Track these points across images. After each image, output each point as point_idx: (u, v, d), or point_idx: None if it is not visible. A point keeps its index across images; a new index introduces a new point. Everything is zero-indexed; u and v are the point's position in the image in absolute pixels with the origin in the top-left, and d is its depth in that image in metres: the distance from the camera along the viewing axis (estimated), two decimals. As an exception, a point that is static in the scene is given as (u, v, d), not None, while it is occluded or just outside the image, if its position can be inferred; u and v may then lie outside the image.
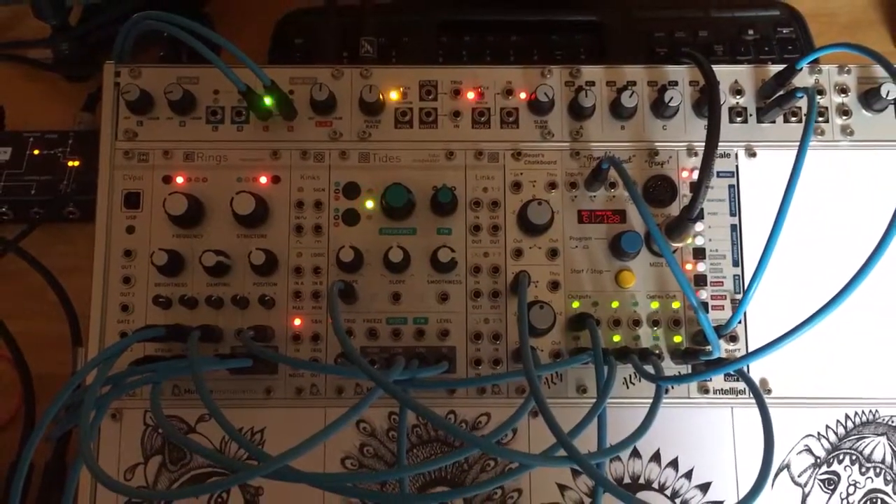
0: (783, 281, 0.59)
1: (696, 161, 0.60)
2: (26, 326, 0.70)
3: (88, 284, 0.60)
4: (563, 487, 0.58)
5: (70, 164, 0.74)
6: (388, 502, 0.50)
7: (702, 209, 0.60)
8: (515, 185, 0.61)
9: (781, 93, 0.59)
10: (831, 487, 0.58)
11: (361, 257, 0.59)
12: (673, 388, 0.58)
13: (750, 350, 0.59)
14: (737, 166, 0.61)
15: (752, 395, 0.53)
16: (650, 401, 0.53)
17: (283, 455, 0.42)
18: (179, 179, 0.60)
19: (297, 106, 0.61)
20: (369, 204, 0.60)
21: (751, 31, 0.78)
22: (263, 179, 0.60)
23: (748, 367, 0.58)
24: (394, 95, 0.62)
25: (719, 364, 0.53)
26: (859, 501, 0.58)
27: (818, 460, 0.58)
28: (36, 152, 0.75)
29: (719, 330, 0.55)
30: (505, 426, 0.49)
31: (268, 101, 0.59)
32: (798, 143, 0.53)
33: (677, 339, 0.59)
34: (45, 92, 0.82)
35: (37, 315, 0.71)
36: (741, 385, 0.59)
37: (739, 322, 0.59)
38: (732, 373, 0.58)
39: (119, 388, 0.51)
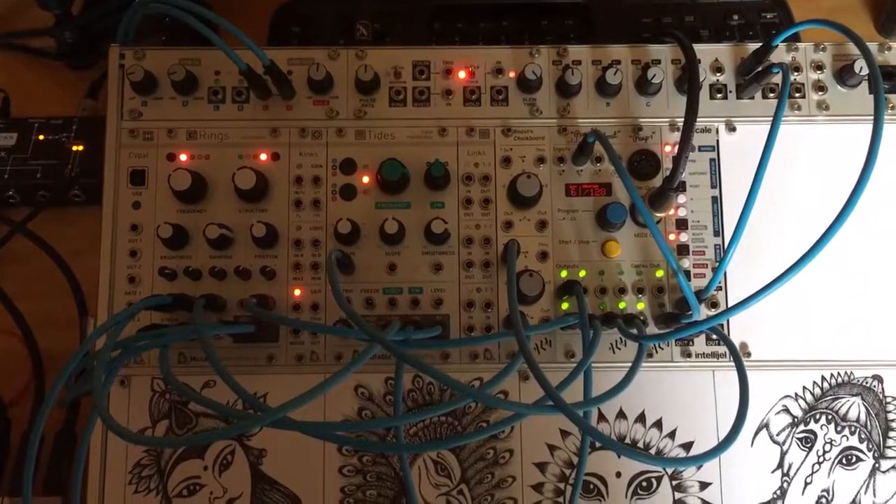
0: (762, 250, 0.62)
1: (679, 136, 0.62)
2: (35, 306, 0.72)
3: (94, 265, 0.63)
4: (552, 447, 0.60)
5: (75, 148, 0.76)
6: (385, 450, 0.53)
7: (684, 182, 0.63)
8: (505, 160, 0.63)
9: (759, 69, 0.62)
10: (808, 445, 0.61)
11: (358, 230, 0.61)
12: (657, 351, 0.61)
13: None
14: (717, 140, 0.64)
15: (731, 358, 0.55)
16: (635, 363, 0.56)
17: (282, 406, 0.44)
18: (183, 157, 0.63)
19: (295, 86, 0.63)
20: (365, 179, 0.63)
21: (736, 17, 0.80)
22: (263, 156, 0.63)
23: (728, 330, 0.61)
24: (388, 75, 0.64)
25: (698, 323, 0.56)
26: (835, 458, 0.61)
27: (796, 420, 0.61)
28: (41, 138, 0.77)
29: (700, 294, 0.58)
30: (496, 379, 0.51)
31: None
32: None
33: (661, 305, 0.62)
34: (48, 80, 0.84)
35: (45, 295, 0.73)
36: (722, 349, 0.61)
37: (720, 289, 0.62)
38: (714, 337, 0.61)
39: (128, 351, 0.53)
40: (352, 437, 0.50)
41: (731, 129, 0.64)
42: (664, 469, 0.60)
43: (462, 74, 0.64)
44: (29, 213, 0.75)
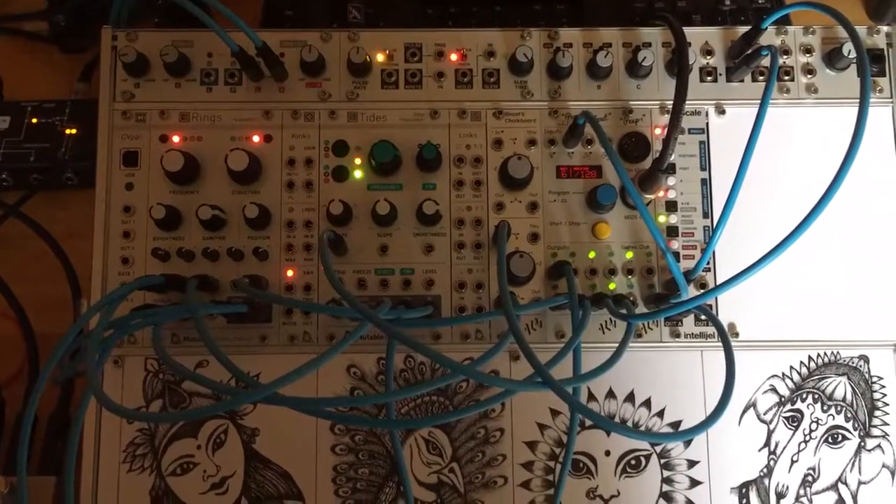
0: (751, 232, 0.62)
1: (668, 119, 0.63)
2: (28, 289, 0.72)
3: (87, 248, 0.63)
4: (542, 426, 0.61)
5: (68, 132, 0.76)
6: (376, 426, 0.53)
7: (673, 164, 0.64)
8: (497, 142, 0.64)
9: (748, 52, 0.62)
10: (795, 424, 0.62)
11: (350, 211, 0.62)
12: (646, 331, 0.62)
13: (718, 298, 0.62)
14: (707, 123, 0.64)
15: (719, 338, 0.56)
16: (625, 343, 0.56)
17: (273, 382, 0.45)
18: (175, 139, 0.63)
19: (287, 68, 0.63)
20: (357, 161, 0.63)
21: (728, 2, 0.81)
22: (256, 138, 0.63)
23: (716, 311, 0.62)
24: (380, 58, 0.64)
25: (686, 301, 0.56)
26: (821, 437, 0.62)
27: (782, 399, 0.62)
28: (34, 121, 0.77)
29: (688, 275, 0.59)
30: (486, 356, 0.52)
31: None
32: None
33: (650, 286, 0.62)
34: (41, 64, 0.84)
35: (38, 278, 0.73)
36: (710, 330, 0.62)
37: (708, 269, 0.62)
38: (702, 317, 0.62)
39: (121, 329, 0.54)
40: (341, 412, 0.51)
41: (721, 111, 0.64)
42: (653, 447, 0.61)
43: (454, 57, 0.65)
44: (22, 197, 0.75)
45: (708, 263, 0.63)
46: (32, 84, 0.81)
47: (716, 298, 0.62)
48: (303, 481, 0.60)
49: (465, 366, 0.48)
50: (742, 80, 0.65)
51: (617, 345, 0.55)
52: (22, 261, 0.74)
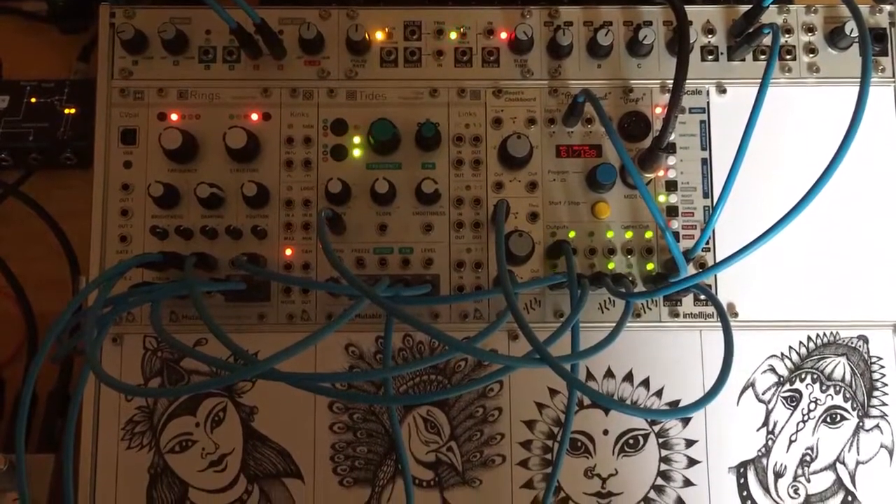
0: (751, 212, 0.62)
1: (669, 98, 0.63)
2: (27, 268, 0.72)
3: (86, 227, 0.63)
4: (540, 406, 0.61)
5: (67, 111, 0.76)
6: (374, 402, 0.53)
7: (674, 143, 0.63)
8: (496, 121, 0.63)
9: (750, 30, 0.62)
10: (793, 404, 0.62)
11: (349, 190, 0.62)
12: (645, 311, 0.62)
13: (718, 277, 0.62)
14: (708, 103, 0.64)
15: (718, 318, 0.56)
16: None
17: (270, 358, 0.45)
18: (174, 116, 0.63)
19: (286, 46, 0.63)
20: (356, 139, 0.63)
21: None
22: (255, 116, 0.63)
23: (716, 291, 0.62)
24: (379, 36, 0.64)
25: (684, 280, 0.56)
26: (820, 417, 0.62)
27: (781, 379, 0.62)
28: (33, 100, 0.76)
29: (687, 254, 0.59)
30: (484, 333, 0.52)
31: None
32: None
33: (650, 266, 0.62)
34: (40, 44, 0.83)
35: (37, 257, 0.73)
36: (709, 309, 0.62)
37: (707, 249, 0.62)
38: (701, 297, 0.61)
39: (119, 306, 0.54)
40: (338, 389, 0.51)
41: (722, 91, 0.64)
42: (651, 427, 0.61)
43: (453, 35, 0.64)
44: (21, 176, 0.75)
45: (707, 243, 0.62)
46: (32, 64, 0.81)
47: (715, 278, 0.62)
48: (301, 459, 0.60)
49: (462, 342, 0.48)
50: (743, 60, 0.64)
51: (615, 324, 0.55)
52: (21, 240, 0.74)
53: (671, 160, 0.63)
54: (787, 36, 0.64)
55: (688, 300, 0.62)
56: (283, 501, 0.60)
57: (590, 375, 0.61)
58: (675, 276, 0.58)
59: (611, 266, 0.62)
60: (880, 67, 0.64)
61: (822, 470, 0.61)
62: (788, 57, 0.64)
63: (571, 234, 0.62)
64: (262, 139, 0.63)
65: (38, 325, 0.70)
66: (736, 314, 0.62)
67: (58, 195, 0.75)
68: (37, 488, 0.60)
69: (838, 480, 0.61)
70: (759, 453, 0.61)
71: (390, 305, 0.48)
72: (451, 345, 0.46)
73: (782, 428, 0.61)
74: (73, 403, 0.54)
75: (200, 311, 0.50)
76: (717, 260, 0.62)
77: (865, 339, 0.62)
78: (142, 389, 0.58)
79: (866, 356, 0.62)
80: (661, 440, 0.61)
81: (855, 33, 0.62)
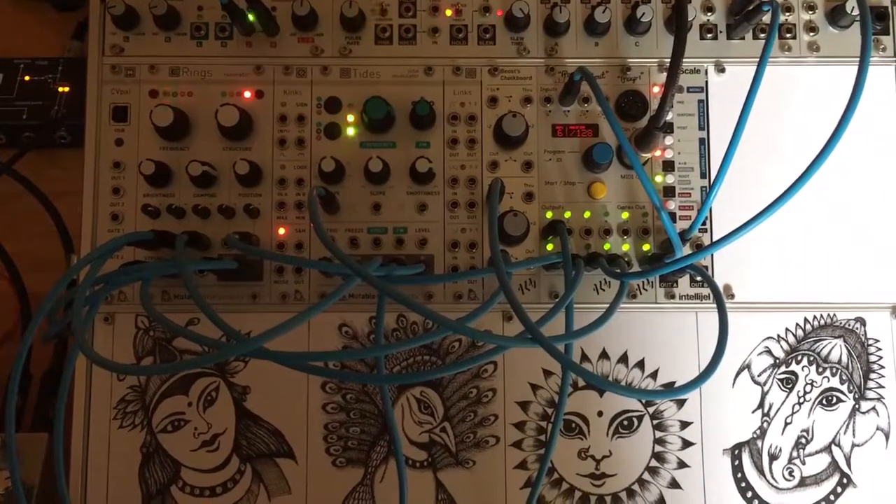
0: (749, 193, 0.61)
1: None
2: (21, 247, 0.72)
3: (80, 206, 0.62)
4: (535, 387, 0.61)
5: (60, 89, 0.75)
6: (366, 380, 0.53)
7: (671, 123, 0.63)
8: (492, 100, 0.63)
9: (749, 8, 0.61)
10: (789, 386, 0.61)
11: (343, 169, 0.61)
12: (641, 292, 0.61)
13: (714, 259, 0.61)
14: (706, 82, 0.63)
15: (713, 298, 0.55)
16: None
17: (259, 336, 0.44)
18: (165, 94, 0.62)
19: (279, 22, 0.62)
20: (350, 118, 0.62)
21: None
22: (247, 94, 0.62)
23: (712, 273, 0.61)
24: (373, 13, 0.63)
25: (679, 259, 0.56)
26: (815, 399, 0.61)
27: (777, 361, 0.61)
28: (27, 78, 0.76)
29: (684, 235, 0.58)
30: (476, 312, 0.52)
31: (251, 16, 0.60)
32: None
33: (646, 247, 0.62)
34: (34, 21, 0.82)
35: (31, 237, 0.73)
36: (705, 291, 0.61)
37: (704, 230, 0.62)
38: (698, 279, 0.61)
39: (110, 283, 0.53)
40: (331, 369, 0.50)
41: (721, 69, 0.63)
42: (645, 408, 0.61)
43: (449, 12, 0.63)
44: (14, 155, 0.75)
45: (704, 224, 0.62)
46: (25, 42, 0.80)
47: (712, 260, 0.62)
48: (294, 439, 0.60)
49: (454, 321, 0.48)
50: (743, 38, 0.63)
51: (609, 304, 0.54)
52: (14, 219, 0.74)
53: (668, 140, 0.62)
54: (787, 14, 0.63)
55: (684, 282, 0.61)
56: (276, 481, 0.60)
57: (584, 357, 0.61)
58: (671, 257, 0.58)
59: (606, 247, 0.61)
60: (881, 46, 0.63)
61: (817, 452, 0.61)
62: (788, 35, 0.63)
63: (567, 215, 0.62)
64: (254, 117, 0.62)
65: (32, 306, 0.70)
66: (732, 296, 0.61)
67: (52, 174, 0.75)
68: (30, 467, 0.60)
69: (833, 463, 0.61)
70: (755, 435, 0.61)
71: (381, 283, 0.47)
72: (443, 323, 0.46)
73: (778, 410, 0.61)
74: (64, 380, 0.53)
75: (190, 289, 0.50)
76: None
77: (863, 322, 0.62)
78: (129, 367, 0.57)
79: (863, 338, 0.62)
80: (655, 422, 0.61)
81: (856, 11, 0.61)
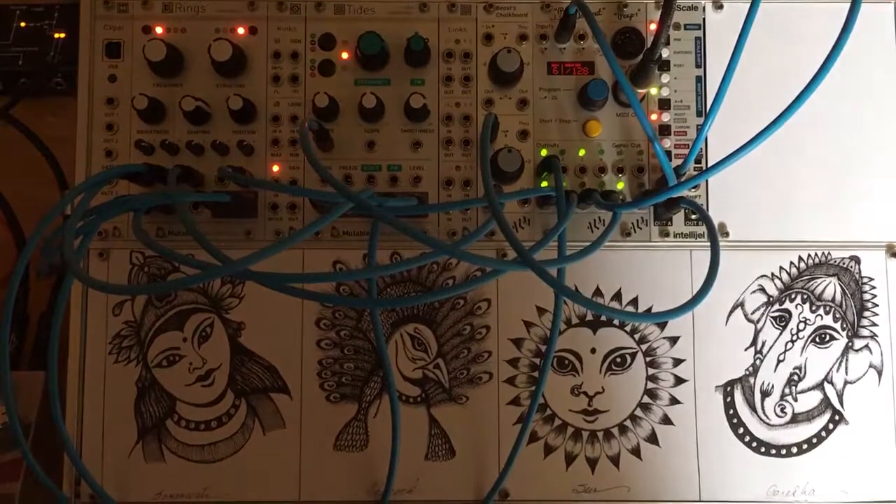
0: (744, 130, 0.60)
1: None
2: (17, 191, 0.72)
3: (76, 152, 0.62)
4: (528, 324, 0.61)
5: (56, 36, 0.75)
6: (355, 304, 0.53)
7: (668, 60, 0.62)
8: (487, 37, 0.62)
9: (747, -57, 0.60)
10: (782, 324, 0.61)
11: (337, 105, 0.61)
12: (635, 230, 0.61)
13: (710, 197, 0.61)
14: (704, 19, 0.63)
15: (706, 232, 0.55)
16: (612, 242, 0.58)
17: (244, 258, 0.44)
18: (158, 30, 0.62)
19: (273, -43, 0.62)
20: (345, 55, 0.62)
21: None
22: (241, 30, 0.62)
23: (707, 210, 0.61)
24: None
25: (672, 188, 0.55)
26: (808, 337, 0.61)
27: (771, 299, 0.61)
28: (22, 25, 0.76)
29: (678, 169, 0.58)
30: (470, 238, 0.52)
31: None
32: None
33: (641, 185, 0.61)
34: (29, -32, 0.82)
35: (28, 182, 0.73)
36: (700, 229, 0.61)
37: (700, 168, 0.61)
38: (692, 216, 0.61)
39: (102, 214, 0.53)
40: (303, 289, 0.50)
41: (718, 6, 0.62)
42: (638, 345, 0.61)
43: (441, -45, 0.63)
44: (10, 100, 0.74)
45: (699, 162, 0.61)
46: (20, -11, 0.80)
47: (707, 199, 0.61)
48: (288, 375, 0.60)
49: (447, 243, 0.48)
50: (740, -25, 0.63)
51: (606, 244, 0.54)
52: (11, 165, 0.74)
53: (664, 77, 0.62)
54: (786, -48, 0.63)
55: (678, 220, 0.61)
56: (271, 416, 0.60)
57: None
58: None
59: (601, 186, 0.61)
60: (879, -19, 0.63)
61: (809, 389, 0.61)
62: (787, -26, 0.63)
63: (562, 153, 0.61)
64: (248, 53, 0.62)
65: (30, 250, 0.70)
66: (727, 234, 0.61)
67: (48, 121, 0.75)
68: (27, 403, 0.61)
69: (825, 399, 0.61)
70: (747, 372, 0.61)
71: (375, 208, 0.47)
72: (437, 246, 0.46)
73: (770, 347, 0.61)
74: (58, 308, 0.54)
75: (184, 219, 0.50)
76: (708, 181, 0.61)
77: (857, 260, 0.61)
78: (120, 286, 0.57)
79: (858, 276, 0.61)
80: (648, 359, 0.61)
81: (855, -53, 0.60)
